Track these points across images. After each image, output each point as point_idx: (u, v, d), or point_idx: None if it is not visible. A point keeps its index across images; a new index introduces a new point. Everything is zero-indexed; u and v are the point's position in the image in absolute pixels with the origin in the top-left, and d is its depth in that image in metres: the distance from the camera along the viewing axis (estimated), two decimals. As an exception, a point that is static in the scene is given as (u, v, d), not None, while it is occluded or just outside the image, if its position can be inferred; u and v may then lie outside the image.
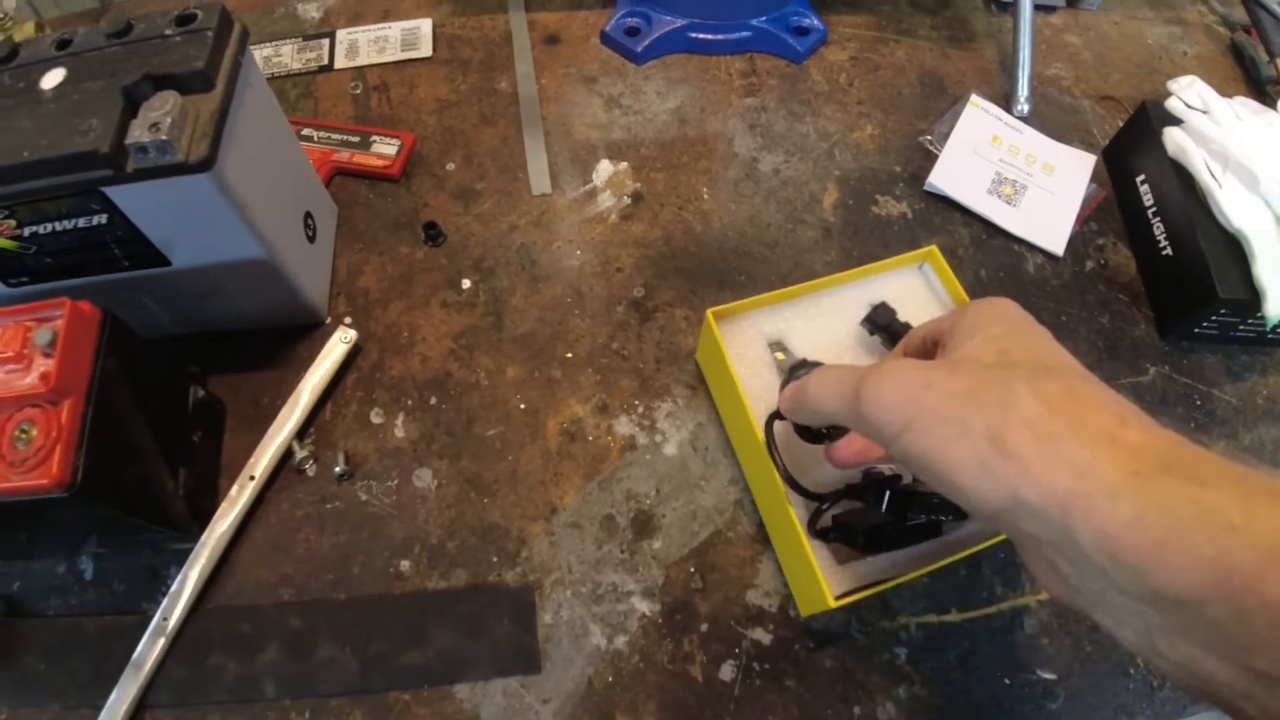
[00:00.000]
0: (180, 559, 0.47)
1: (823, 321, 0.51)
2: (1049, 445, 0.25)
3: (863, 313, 0.50)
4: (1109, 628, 0.27)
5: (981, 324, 0.33)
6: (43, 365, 0.39)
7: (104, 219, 0.43)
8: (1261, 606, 0.21)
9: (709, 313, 0.48)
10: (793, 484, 0.43)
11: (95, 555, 0.48)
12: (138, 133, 0.39)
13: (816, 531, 0.44)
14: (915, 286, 0.52)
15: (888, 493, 0.42)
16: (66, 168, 0.39)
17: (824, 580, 0.41)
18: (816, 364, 0.44)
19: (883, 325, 0.49)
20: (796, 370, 0.43)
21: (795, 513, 0.43)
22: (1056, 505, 0.25)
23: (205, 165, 0.40)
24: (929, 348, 0.38)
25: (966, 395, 0.28)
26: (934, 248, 0.51)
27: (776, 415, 0.44)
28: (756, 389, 0.49)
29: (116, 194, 0.41)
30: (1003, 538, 0.44)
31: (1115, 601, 0.25)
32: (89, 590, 0.47)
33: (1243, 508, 0.22)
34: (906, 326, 0.48)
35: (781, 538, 0.47)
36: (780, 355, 0.50)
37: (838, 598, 0.42)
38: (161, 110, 0.39)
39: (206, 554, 0.47)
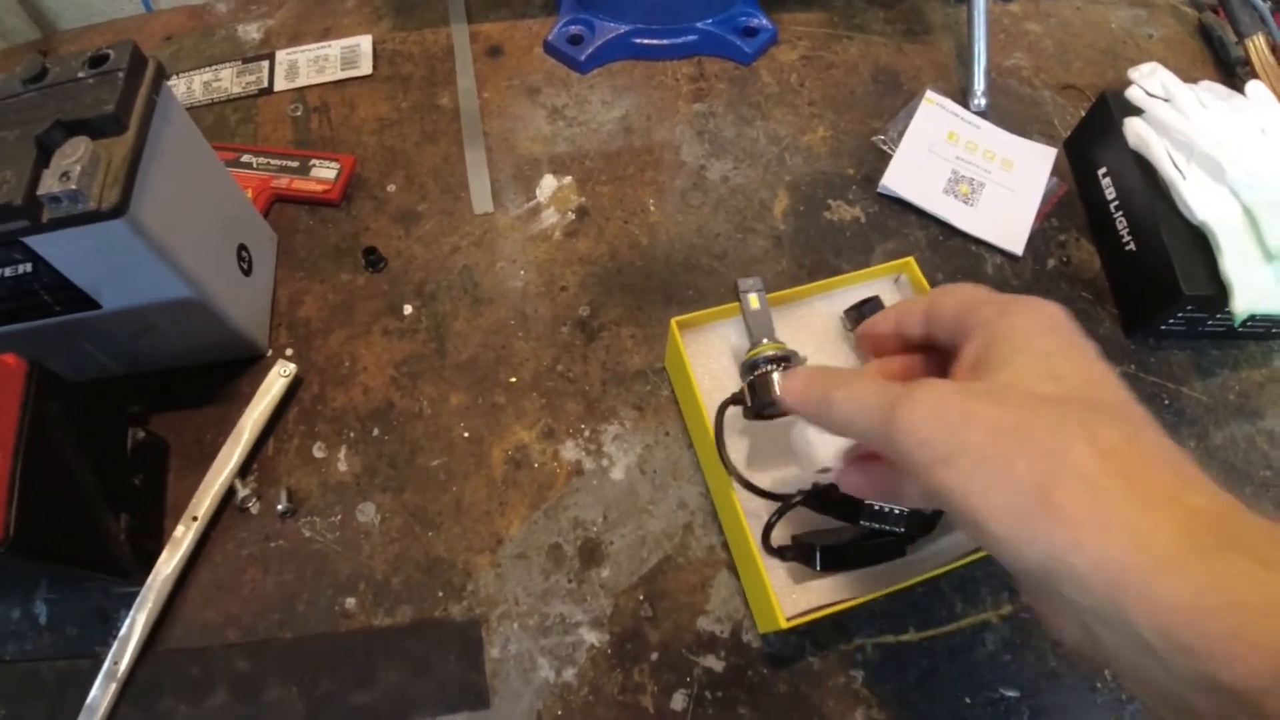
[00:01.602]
0: (129, 602, 0.46)
1: (791, 334, 0.50)
2: (1103, 506, 0.23)
3: (833, 325, 0.49)
4: (1145, 702, 0.25)
5: (1029, 337, 0.28)
6: (-35, 423, 0.38)
7: (29, 267, 0.42)
8: None
9: (673, 322, 0.47)
10: (741, 480, 0.42)
11: (48, 600, 0.48)
12: (49, 182, 0.38)
13: (773, 549, 0.43)
14: (891, 300, 0.51)
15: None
16: (-17, 220, 0.39)
17: (776, 600, 0.40)
18: (784, 357, 0.42)
19: None
20: (764, 363, 0.42)
21: (751, 527, 0.42)
22: (1106, 576, 0.23)
23: (118, 211, 0.39)
24: (957, 331, 0.31)
25: (1014, 434, 0.25)
26: (911, 260, 0.50)
27: (731, 401, 0.43)
28: (720, 400, 0.48)
29: (37, 243, 0.40)
30: (969, 560, 0.43)
31: (1161, 680, 0.23)
32: (44, 635, 0.47)
33: None
34: None
35: (740, 554, 0.46)
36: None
37: (794, 617, 0.41)
38: (72, 158, 0.39)
39: (153, 597, 0.46)
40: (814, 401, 0.33)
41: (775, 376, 0.41)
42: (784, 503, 0.43)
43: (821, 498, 0.42)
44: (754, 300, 0.46)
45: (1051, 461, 0.24)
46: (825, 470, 0.45)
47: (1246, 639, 0.20)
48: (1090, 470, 0.24)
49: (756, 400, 0.42)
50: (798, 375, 0.35)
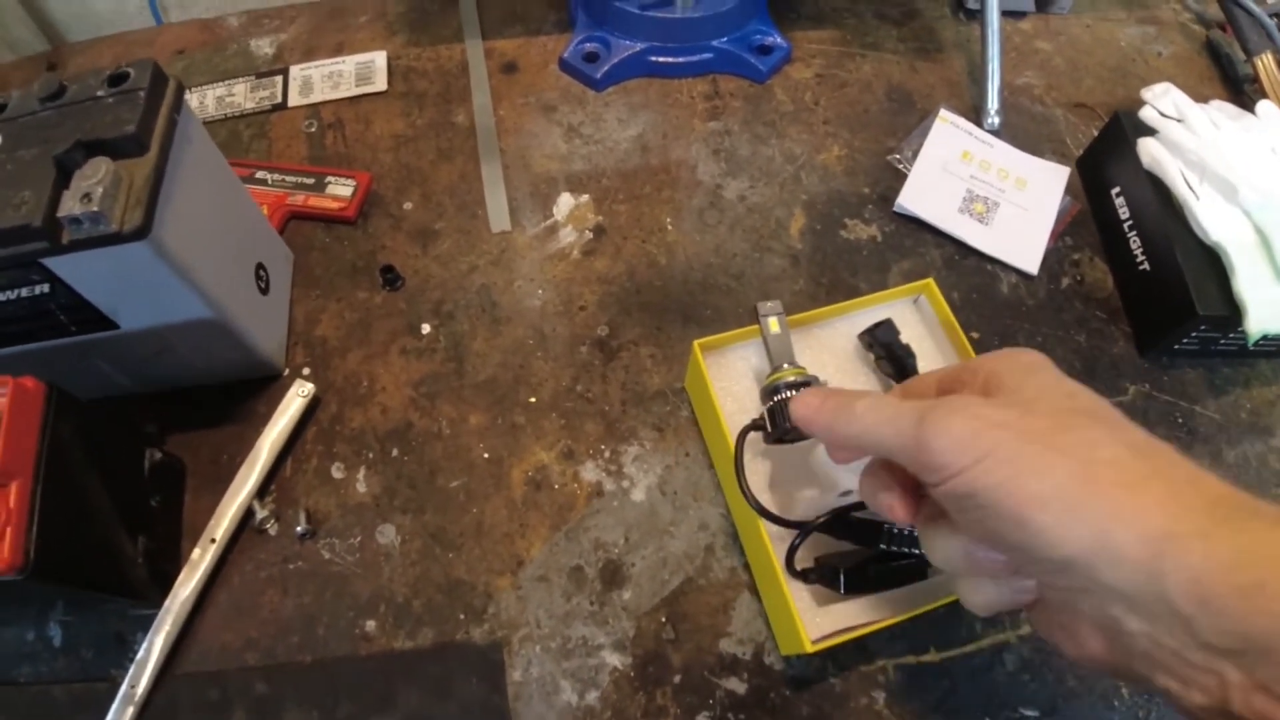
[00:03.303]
0: (146, 624, 0.46)
1: (811, 356, 0.50)
2: (1138, 486, 0.25)
3: (853, 346, 0.50)
4: (1173, 691, 0.26)
5: (1036, 368, 0.31)
6: (-15, 447, 0.38)
7: (46, 288, 0.42)
8: None
9: (695, 344, 0.47)
10: (759, 509, 0.42)
11: (63, 622, 0.47)
12: (70, 204, 0.38)
13: (797, 572, 0.43)
14: (910, 320, 0.51)
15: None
16: (2, 241, 0.38)
17: (801, 622, 0.40)
18: (805, 382, 0.43)
19: (884, 343, 0.48)
20: (784, 388, 0.42)
21: (775, 550, 0.42)
22: (1149, 547, 0.24)
23: (140, 234, 0.39)
24: (938, 393, 0.34)
25: (1047, 434, 0.27)
26: (930, 281, 0.50)
27: (751, 427, 0.43)
28: (742, 422, 0.48)
29: (55, 264, 0.40)
30: None
31: (1192, 658, 0.24)
32: (59, 657, 0.46)
33: None
34: (907, 348, 0.47)
35: (763, 576, 0.46)
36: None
37: (819, 640, 0.41)
38: (93, 179, 0.38)
39: (170, 620, 0.46)
40: (831, 413, 0.34)
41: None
42: (803, 529, 0.43)
43: (840, 523, 0.43)
44: (774, 324, 0.46)
45: (1085, 452, 0.26)
46: (847, 493, 0.46)
47: (1272, 586, 0.22)
48: (1123, 459, 0.26)
49: (777, 426, 0.42)
50: (813, 393, 0.36)
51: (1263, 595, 0.22)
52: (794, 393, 0.42)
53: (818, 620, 0.43)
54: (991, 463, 0.27)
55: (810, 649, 0.40)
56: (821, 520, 0.42)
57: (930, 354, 0.50)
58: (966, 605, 0.32)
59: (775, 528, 0.44)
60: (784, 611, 0.42)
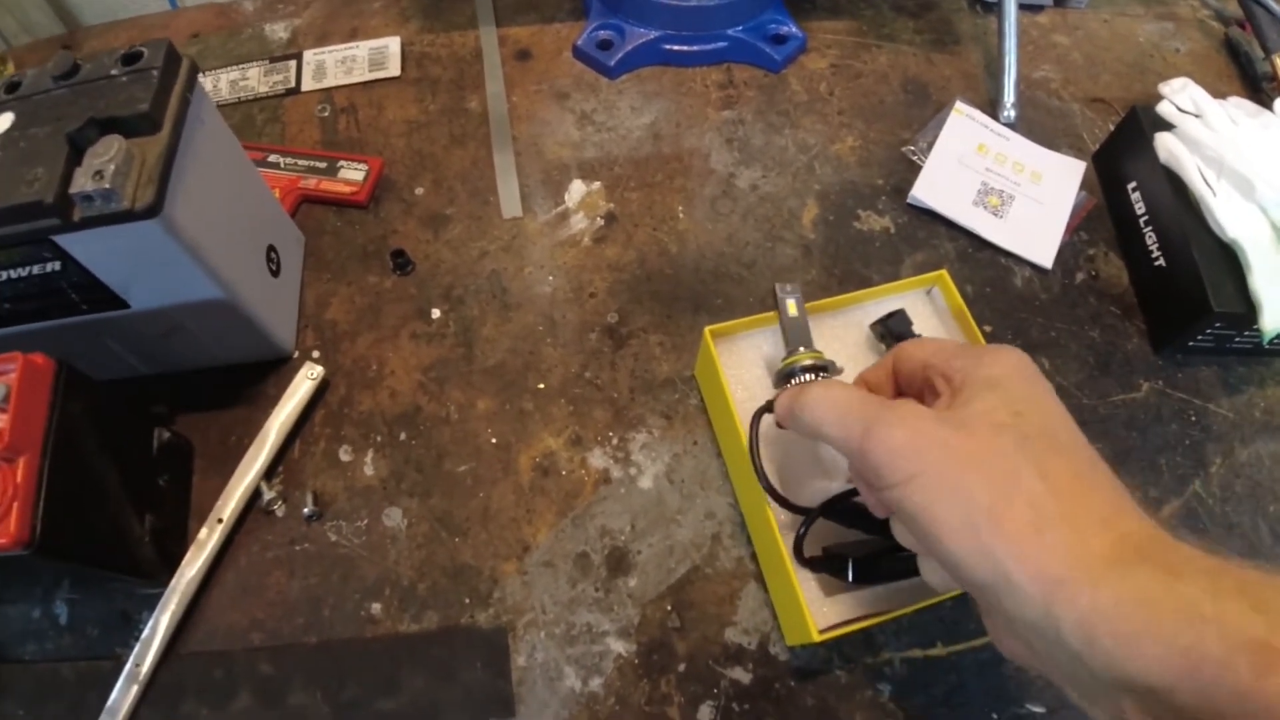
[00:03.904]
0: (152, 603, 0.46)
1: (824, 345, 0.49)
2: (1044, 527, 0.26)
3: (866, 336, 0.49)
4: (1082, 706, 0.27)
5: (999, 379, 0.31)
6: (-5, 422, 0.38)
7: (57, 266, 0.42)
8: (1230, 694, 0.22)
9: (706, 331, 0.47)
10: (771, 492, 0.42)
11: (69, 600, 0.47)
12: (82, 181, 0.38)
13: (805, 560, 0.43)
14: (923, 311, 0.51)
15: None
16: (13, 218, 0.38)
17: (808, 612, 0.40)
18: (821, 367, 0.42)
19: (896, 334, 0.47)
20: (800, 372, 0.42)
21: (783, 538, 0.42)
22: (1042, 589, 0.25)
23: (152, 211, 0.38)
24: (925, 379, 0.35)
25: (974, 461, 0.28)
26: (944, 272, 0.50)
27: (765, 409, 0.43)
28: (752, 410, 0.47)
29: (67, 242, 0.40)
30: None
31: (1088, 682, 0.26)
32: (64, 635, 0.47)
33: (1213, 599, 0.23)
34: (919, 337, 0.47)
35: (770, 564, 0.46)
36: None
37: (825, 630, 0.41)
38: (105, 156, 0.38)
39: (176, 599, 0.46)
40: (787, 407, 0.36)
41: None
42: (809, 514, 0.42)
43: (846, 510, 0.42)
44: (792, 306, 0.45)
45: (1004, 485, 0.27)
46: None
47: (1156, 639, 0.23)
48: (1038, 495, 0.27)
49: None
50: (783, 394, 0.38)
51: (1141, 640, 0.23)
52: (810, 377, 0.42)
53: (824, 610, 0.43)
54: (920, 482, 0.28)
55: (817, 638, 0.40)
56: (827, 503, 0.42)
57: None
58: (926, 580, 0.34)
59: (784, 515, 0.44)
60: (791, 600, 0.42)
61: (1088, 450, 0.29)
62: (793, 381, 0.42)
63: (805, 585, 0.43)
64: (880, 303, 0.50)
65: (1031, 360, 0.32)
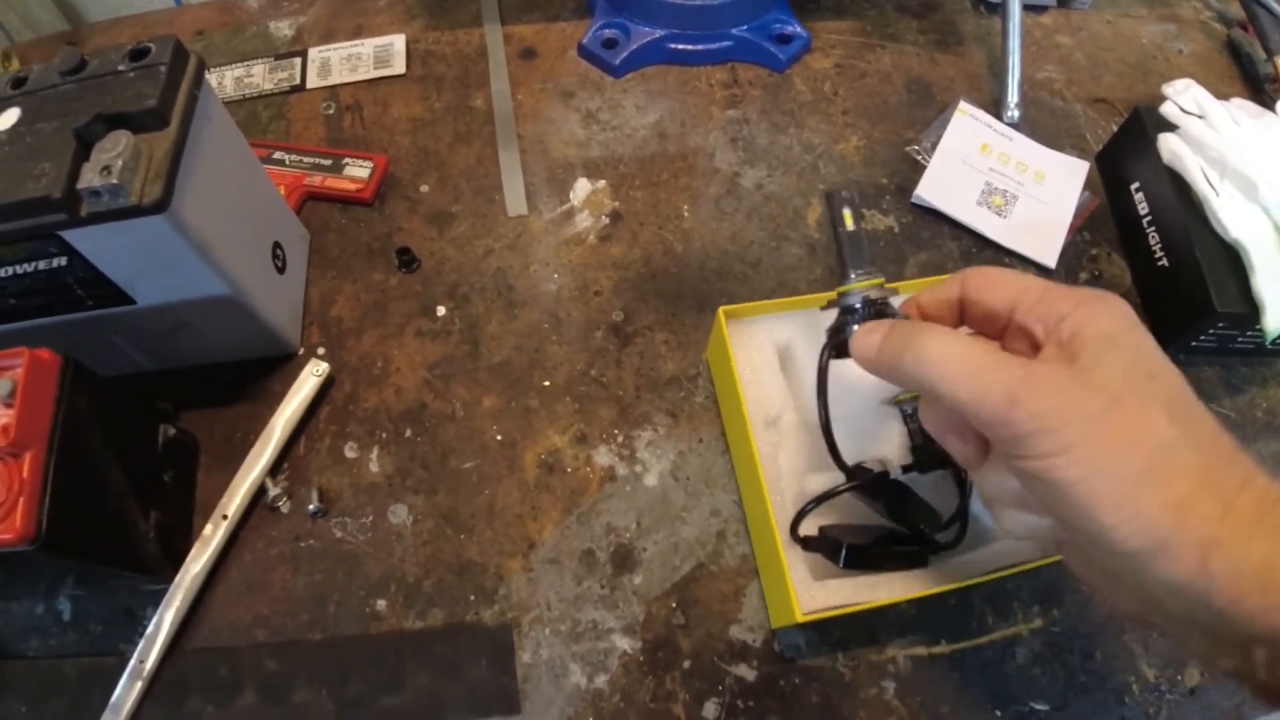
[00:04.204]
0: (156, 600, 0.46)
1: None
2: (1199, 495, 0.27)
3: None
4: (1202, 655, 0.31)
5: (1116, 336, 0.29)
6: (2, 417, 0.38)
7: (64, 261, 0.42)
8: None
9: (720, 310, 0.47)
10: (829, 440, 0.41)
11: (73, 596, 0.47)
12: (89, 176, 0.38)
13: (799, 539, 0.43)
14: None
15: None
16: (20, 213, 0.38)
17: (794, 591, 0.40)
18: (883, 298, 0.38)
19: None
20: (863, 302, 0.37)
21: (778, 520, 0.42)
22: (1198, 552, 0.26)
23: (159, 207, 0.38)
24: (1013, 322, 0.32)
25: (1129, 433, 0.28)
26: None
27: (832, 352, 0.39)
28: (757, 394, 0.48)
29: (73, 237, 0.40)
30: (995, 577, 0.43)
31: (1224, 635, 0.27)
32: (68, 631, 0.46)
33: None
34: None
35: (762, 546, 0.46)
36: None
37: (811, 613, 0.41)
38: (113, 152, 0.38)
39: (181, 596, 0.46)
40: (895, 353, 0.33)
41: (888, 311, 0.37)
42: (823, 496, 0.43)
43: (873, 488, 0.42)
44: (848, 218, 0.40)
45: (1160, 457, 0.27)
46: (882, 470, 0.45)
47: None
48: (1189, 463, 0.27)
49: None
50: (871, 330, 0.34)
51: None
52: (870, 309, 0.37)
53: (812, 594, 0.43)
54: (1074, 455, 0.28)
55: (800, 619, 0.40)
56: (857, 484, 0.42)
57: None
58: (1001, 528, 0.34)
59: (780, 498, 0.45)
60: (778, 580, 0.42)
61: (1206, 409, 0.29)
62: (854, 312, 0.37)
63: (796, 570, 0.44)
64: (896, 299, 0.50)
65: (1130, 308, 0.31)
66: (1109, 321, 0.30)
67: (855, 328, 0.37)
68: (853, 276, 0.38)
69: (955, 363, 0.30)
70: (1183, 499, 0.27)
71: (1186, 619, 0.28)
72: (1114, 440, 0.27)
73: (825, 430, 0.41)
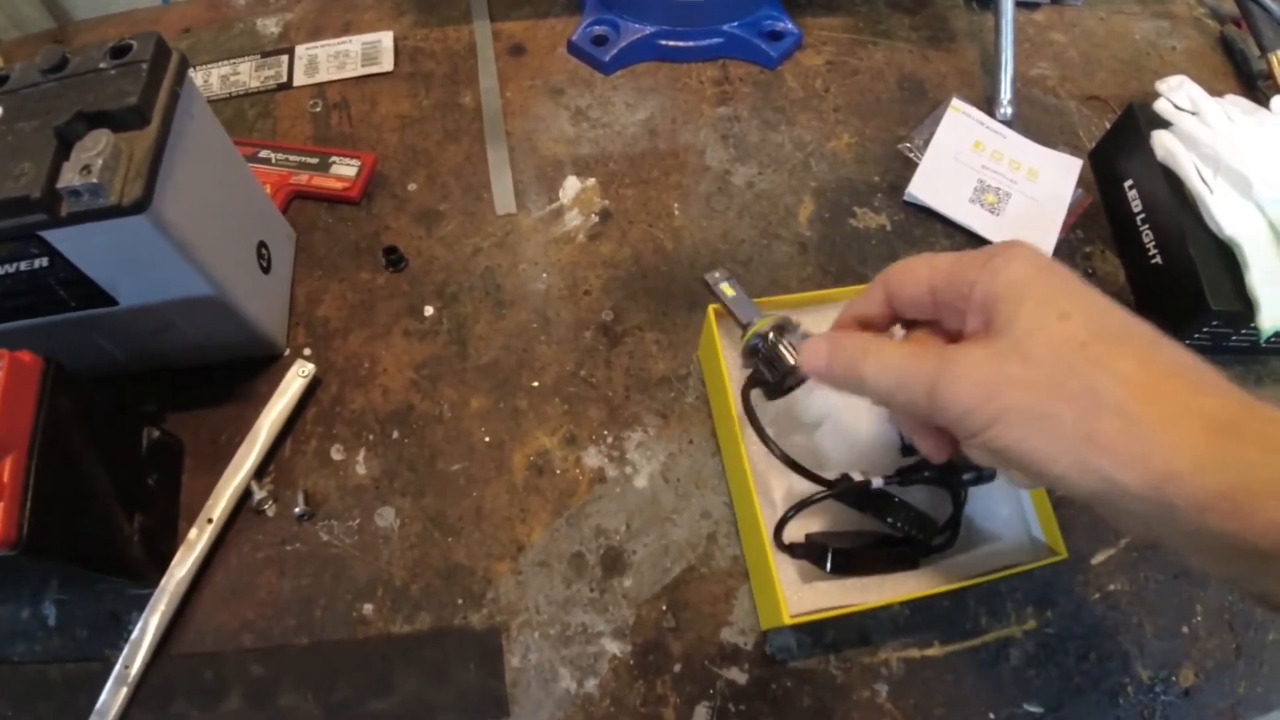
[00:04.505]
0: (141, 604, 0.45)
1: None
2: (1136, 431, 0.27)
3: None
4: (1206, 567, 0.32)
5: (1023, 283, 0.30)
6: (-19, 420, 0.37)
7: (45, 262, 0.41)
8: None
9: (711, 309, 0.47)
10: (784, 458, 0.42)
11: (58, 601, 0.47)
12: (69, 175, 0.37)
13: (785, 546, 0.43)
14: None
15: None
16: (0, 213, 0.38)
17: (782, 593, 0.40)
18: (781, 325, 0.41)
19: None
20: (763, 338, 0.40)
21: (766, 521, 0.42)
22: (1151, 487, 0.26)
23: (140, 207, 0.38)
24: (938, 303, 0.33)
25: (1048, 388, 0.28)
26: None
27: (752, 382, 0.42)
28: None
29: (54, 237, 0.39)
30: (988, 579, 0.43)
31: (1214, 550, 0.28)
32: (53, 636, 0.46)
33: None
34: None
35: (752, 549, 0.46)
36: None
37: (799, 615, 0.41)
38: (93, 151, 0.38)
39: (166, 600, 0.46)
40: (842, 369, 0.34)
41: (784, 345, 0.40)
42: (802, 503, 0.42)
43: (855, 494, 0.42)
44: (727, 288, 0.44)
45: (1086, 402, 0.27)
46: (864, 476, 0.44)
47: (1263, 513, 0.25)
48: (1119, 401, 0.27)
49: (776, 372, 0.40)
50: (818, 345, 0.36)
51: (1250, 518, 0.25)
52: (775, 337, 0.40)
53: (800, 596, 0.43)
54: (1002, 426, 0.29)
55: (788, 621, 0.40)
56: (834, 490, 0.42)
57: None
58: (1011, 484, 0.36)
59: (770, 494, 0.45)
60: (767, 583, 0.41)
61: (1141, 328, 0.29)
62: (765, 345, 0.40)
63: (785, 572, 0.43)
64: None
65: (1038, 250, 0.31)
66: (1012, 271, 0.30)
67: (782, 344, 0.40)
68: (754, 321, 0.42)
69: (878, 369, 0.33)
70: (1119, 441, 0.27)
71: (1174, 537, 0.28)
72: (1038, 401, 0.28)
73: (784, 459, 0.42)
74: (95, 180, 0.37)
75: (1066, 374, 0.28)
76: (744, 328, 0.43)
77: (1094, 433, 0.27)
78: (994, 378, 0.29)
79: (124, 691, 0.44)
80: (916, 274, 0.34)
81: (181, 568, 0.46)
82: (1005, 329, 0.30)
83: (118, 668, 0.44)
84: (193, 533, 0.47)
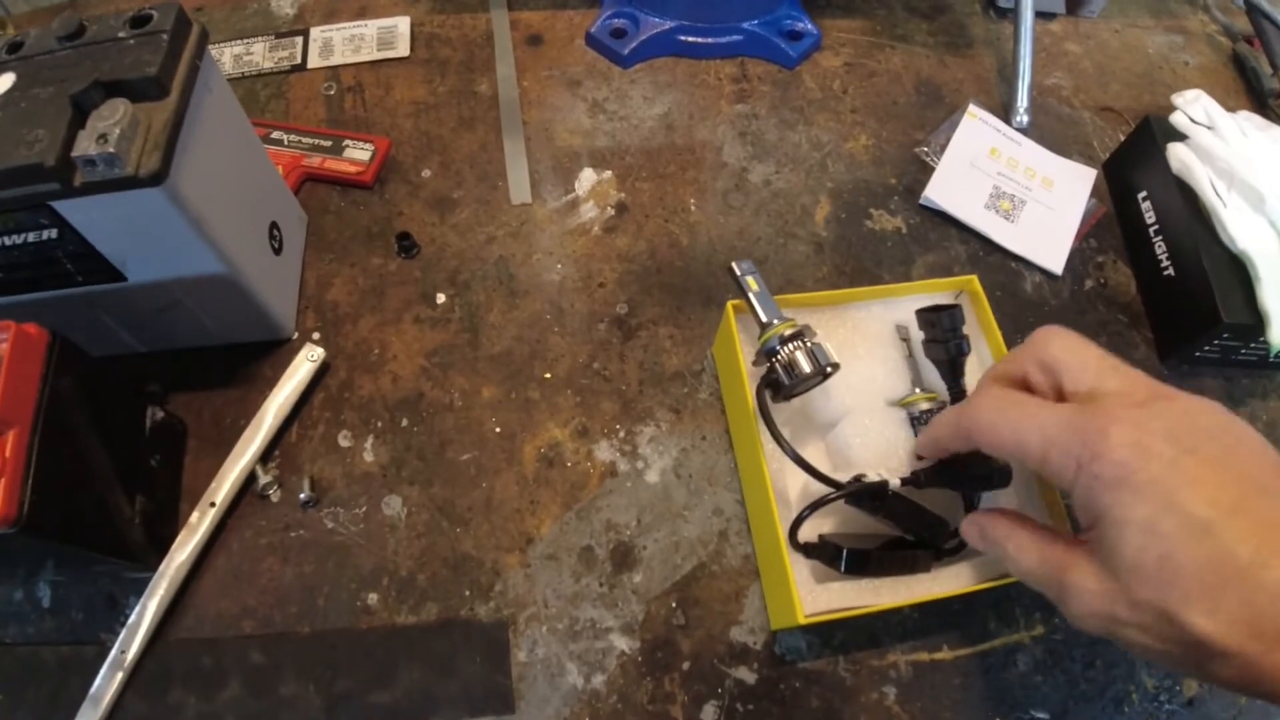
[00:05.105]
0: (139, 588, 0.44)
1: (844, 335, 0.49)
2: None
3: (887, 331, 0.49)
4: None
5: (1084, 359, 0.34)
6: (-15, 393, 0.36)
7: (54, 233, 0.40)
8: None
9: (730, 305, 0.47)
10: (797, 459, 0.41)
11: (53, 582, 0.46)
12: (85, 144, 0.36)
13: (799, 545, 0.42)
14: None
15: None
16: (11, 181, 0.37)
17: (797, 594, 0.40)
18: (797, 334, 0.42)
19: (948, 328, 0.45)
20: (781, 343, 0.42)
21: (781, 520, 0.42)
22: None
23: (157, 179, 0.37)
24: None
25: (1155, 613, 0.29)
26: (974, 278, 0.49)
27: (765, 384, 0.43)
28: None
29: (65, 208, 0.38)
30: (992, 585, 0.43)
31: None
32: (47, 618, 0.45)
33: None
34: (966, 340, 0.45)
35: (765, 548, 0.45)
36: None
37: (812, 615, 0.41)
38: (110, 120, 0.37)
39: (165, 584, 0.45)
40: (991, 549, 0.37)
41: (800, 355, 0.42)
42: (817, 503, 0.42)
43: (868, 495, 0.42)
44: (753, 282, 0.45)
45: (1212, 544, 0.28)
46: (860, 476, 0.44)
47: None
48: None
49: (791, 378, 0.42)
50: (975, 524, 0.38)
51: None
52: (794, 345, 0.42)
53: (814, 596, 0.42)
54: (1120, 626, 0.30)
55: (802, 620, 0.39)
56: (846, 490, 0.42)
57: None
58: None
59: (783, 503, 0.44)
60: (782, 582, 0.41)
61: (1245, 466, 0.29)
62: (783, 352, 0.42)
63: (798, 571, 0.43)
64: (905, 300, 0.50)
65: (1134, 385, 0.32)
66: (1060, 344, 0.34)
67: (799, 352, 0.42)
68: (776, 322, 0.43)
69: (1017, 555, 0.35)
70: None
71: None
72: (1157, 470, 0.29)
73: (796, 459, 0.42)
74: (112, 150, 0.36)
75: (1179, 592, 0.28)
76: (763, 326, 0.43)
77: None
78: (1109, 608, 0.30)
79: (119, 676, 0.43)
80: (1082, 377, 0.34)
81: (182, 551, 0.45)
82: (1111, 552, 0.30)
83: (114, 652, 0.43)
84: (194, 516, 0.46)
